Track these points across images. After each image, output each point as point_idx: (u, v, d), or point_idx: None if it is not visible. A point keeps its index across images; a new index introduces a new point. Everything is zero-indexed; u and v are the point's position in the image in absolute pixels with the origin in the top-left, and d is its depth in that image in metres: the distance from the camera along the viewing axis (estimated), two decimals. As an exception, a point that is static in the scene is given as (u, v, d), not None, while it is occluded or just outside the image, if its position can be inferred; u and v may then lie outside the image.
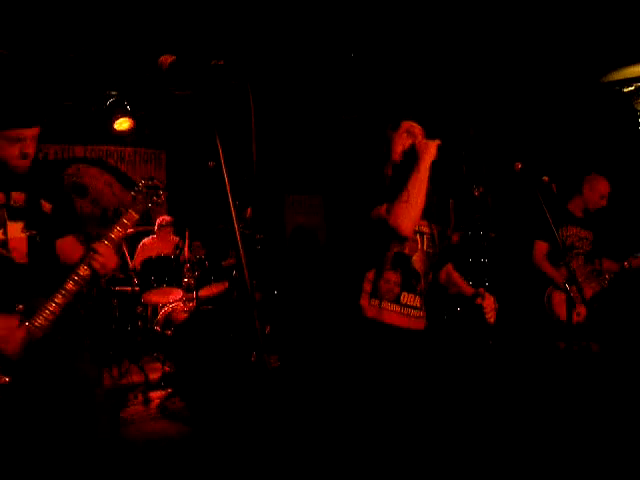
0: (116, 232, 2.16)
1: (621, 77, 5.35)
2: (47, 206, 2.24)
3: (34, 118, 2.08)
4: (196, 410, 4.15)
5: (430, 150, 2.22)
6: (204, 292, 4.90)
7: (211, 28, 4.30)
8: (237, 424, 3.74)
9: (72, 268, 2.12)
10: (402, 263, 2.31)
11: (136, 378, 4.71)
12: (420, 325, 2.39)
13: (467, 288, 2.55)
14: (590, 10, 4.31)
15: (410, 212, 2.15)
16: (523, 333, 4.24)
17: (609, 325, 4.02)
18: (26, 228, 2.15)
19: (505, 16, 4.42)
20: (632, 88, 5.43)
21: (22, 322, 2.01)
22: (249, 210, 5.02)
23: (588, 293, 3.88)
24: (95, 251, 2.09)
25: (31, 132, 2.07)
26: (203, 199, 6.22)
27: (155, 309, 5.04)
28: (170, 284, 4.89)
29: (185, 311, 4.73)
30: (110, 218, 6.64)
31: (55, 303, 2.05)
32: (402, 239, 2.25)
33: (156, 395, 4.47)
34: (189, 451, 3.46)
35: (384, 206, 2.20)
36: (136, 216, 2.22)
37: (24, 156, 2.08)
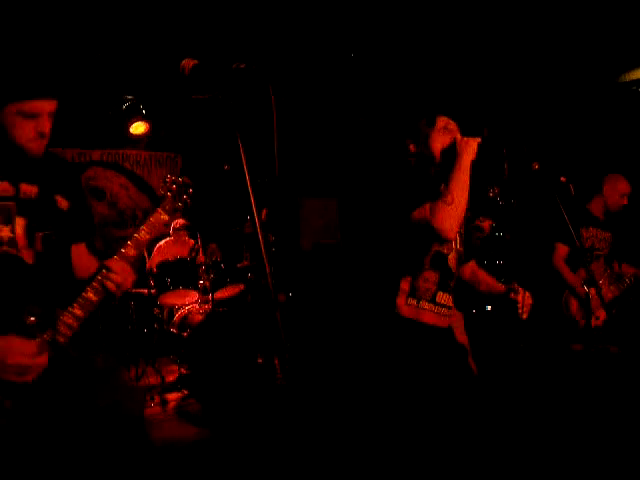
0: (143, 234, 1.93)
1: (637, 77, 5.30)
2: (63, 203, 1.97)
3: (52, 88, 1.80)
4: (212, 412, 4.16)
5: (471, 148, 2.16)
6: (220, 294, 4.92)
7: (230, 31, 4.32)
8: (253, 426, 3.74)
9: (82, 283, 1.89)
10: (440, 262, 2.28)
11: (152, 380, 4.74)
12: (447, 323, 2.37)
13: (498, 285, 2.50)
14: (606, 10, 4.28)
15: (454, 214, 2.09)
16: (540, 335, 4.21)
17: (629, 329, 3.98)
18: (40, 226, 1.88)
19: (521, 16, 4.40)
20: (649, 88, 5.38)
21: (41, 345, 1.74)
22: (264, 212, 5.04)
23: (608, 296, 3.83)
24: (109, 270, 1.84)
25: (48, 106, 1.80)
26: (219, 202, 6.25)
27: (171, 311, 5.07)
28: (186, 286, 4.92)
29: (201, 313, 4.75)
30: (126, 221, 6.68)
31: (73, 315, 1.81)
32: (445, 241, 2.21)
33: (172, 397, 4.49)
34: (206, 453, 3.47)
35: (427, 207, 2.13)
36: (166, 217, 1.99)
37: (40, 135, 1.81)
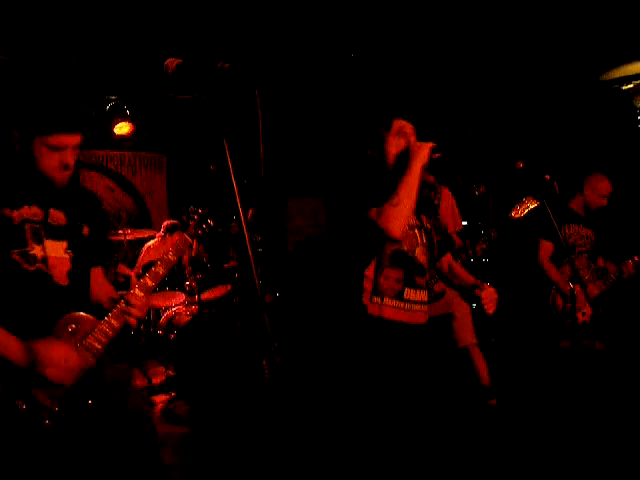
0: (171, 256, 2.16)
1: (621, 75, 5.35)
2: (86, 229, 2.14)
3: (76, 124, 1.96)
4: (200, 413, 4.15)
5: (422, 153, 2.22)
6: (207, 295, 4.90)
7: (215, 31, 4.30)
8: (241, 426, 3.73)
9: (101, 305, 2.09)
10: (402, 260, 2.32)
11: (139, 382, 4.71)
12: (422, 319, 2.40)
13: (469, 278, 2.55)
14: (589, 8, 4.31)
15: (399, 215, 2.17)
16: (527, 332, 4.24)
17: (614, 324, 4.02)
18: (68, 249, 2.04)
19: (504, 15, 4.43)
20: (631, 86, 5.43)
21: (78, 348, 1.92)
22: (251, 212, 5.03)
23: (593, 292, 3.87)
24: (128, 304, 2.01)
25: (72, 140, 1.95)
26: (204, 202, 6.21)
27: (158, 313, 5.04)
28: (172, 288, 4.88)
29: (188, 314, 4.73)
30: (111, 223, 6.63)
31: (111, 326, 1.98)
32: (393, 240, 2.25)
33: (160, 399, 4.47)
34: (194, 454, 3.46)
35: (374, 208, 2.21)
36: (190, 240, 2.25)
37: (64, 167, 1.96)
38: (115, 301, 2.05)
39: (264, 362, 4.37)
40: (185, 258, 4.97)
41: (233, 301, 5.00)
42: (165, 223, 5.69)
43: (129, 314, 2.00)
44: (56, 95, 1.96)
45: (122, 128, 6.02)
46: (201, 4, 4.05)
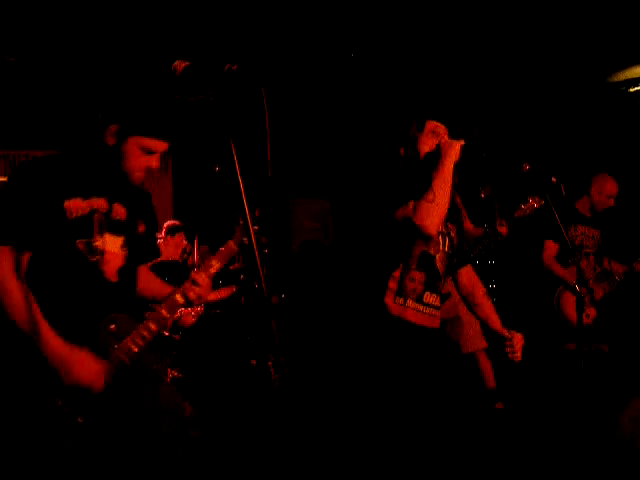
0: (214, 262, 2.17)
1: (627, 77, 5.34)
2: (142, 227, 2.14)
3: (170, 132, 2.02)
4: (205, 415, 4.15)
5: (454, 150, 2.24)
6: (212, 296, 4.90)
7: (222, 33, 4.32)
8: (247, 428, 3.74)
9: (147, 300, 2.12)
10: (427, 263, 2.34)
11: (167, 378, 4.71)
12: (437, 323, 2.41)
13: (495, 320, 2.50)
14: (596, 10, 4.30)
15: (436, 211, 2.17)
16: (532, 334, 4.22)
17: (619, 326, 4.00)
18: (124, 245, 2.03)
19: (511, 16, 4.42)
20: (638, 88, 5.42)
21: (115, 349, 1.91)
22: (256, 212, 5.02)
23: (598, 294, 3.86)
24: (195, 282, 2.07)
25: (163, 146, 2.00)
26: (210, 203, 6.23)
27: (163, 314, 5.05)
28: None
29: (193, 315, 4.73)
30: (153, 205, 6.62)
31: (148, 329, 1.96)
32: (427, 238, 2.26)
33: (165, 400, 4.47)
34: (199, 456, 3.46)
35: (410, 205, 2.21)
36: (236, 248, 2.24)
37: (148, 170, 2.00)
38: (171, 293, 2.06)
39: (270, 364, 4.38)
40: (190, 259, 4.98)
41: (239, 302, 5.01)
42: (166, 224, 5.70)
43: (192, 290, 2.05)
44: (161, 100, 2.04)
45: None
46: (209, 7, 4.07)
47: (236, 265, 5.17)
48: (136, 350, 1.94)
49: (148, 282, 2.23)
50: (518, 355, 2.41)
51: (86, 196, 1.93)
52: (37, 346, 1.78)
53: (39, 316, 1.80)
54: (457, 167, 2.25)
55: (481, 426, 3.30)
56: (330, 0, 4.15)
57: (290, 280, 5.80)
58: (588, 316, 3.85)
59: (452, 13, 4.42)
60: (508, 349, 2.40)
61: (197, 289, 2.06)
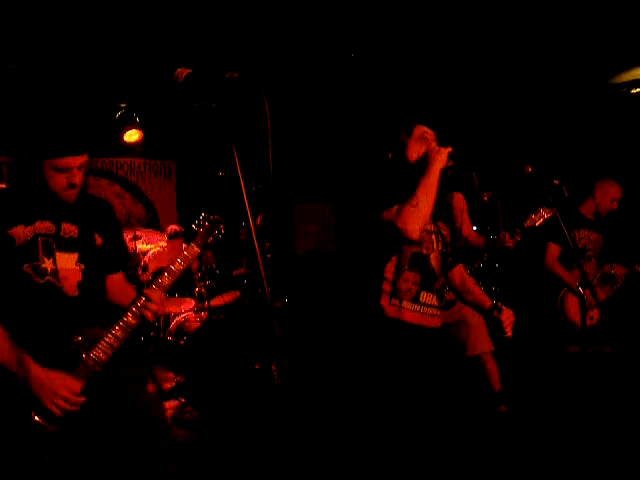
0: (177, 264, 2.16)
1: (629, 78, 5.34)
2: (99, 240, 2.19)
3: (80, 146, 2.04)
4: (210, 419, 4.16)
5: (441, 157, 2.27)
6: (216, 301, 4.92)
7: (223, 39, 4.34)
8: (250, 432, 3.74)
9: (120, 309, 2.10)
10: (420, 263, 2.35)
11: (149, 388, 4.71)
12: (437, 323, 2.42)
13: (485, 299, 2.54)
14: (598, 11, 4.31)
15: (417, 216, 2.20)
16: (536, 337, 4.22)
17: (622, 328, 4.00)
18: (80, 261, 2.09)
19: (513, 18, 4.43)
20: (640, 89, 5.42)
21: (84, 359, 1.96)
22: (260, 218, 5.05)
23: (601, 296, 3.85)
24: (148, 299, 2.05)
25: (77, 161, 2.02)
26: (213, 208, 6.25)
27: (167, 319, 5.07)
28: (182, 294, 4.91)
29: (197, 320, 4.75)
30: (114, 212, 6.67)
31: (115, 337, 2.00)
32: (411, 241, 2.28)
33: (170, 405, 4.48)
34: (203, 460, 3.47)
35: (394, 209, 2.24)
36: (198, 250, 2.24)
37: (71, 186, 2.04)
38: (134, 300, 2.07)
39: (273, 367, 4.38)
40: (194, 265, 5.00)
41: (242, 307, 5.02)
42: (167, 230, 5.73)
43: (147, 308, 2.03)
44: (61, 119, 2.04)
45: (132, 135, 6.08)
46: (210, 14, 4.09)
47: (240, 270, 5.19)
48: (104, 358, 1.99)
49: (119, 291, 2.27)
50: (508, 330, 2.42)
51: (29, 222, 2.03)
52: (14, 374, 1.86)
53: (11, 348, 1.89)
54: (446, 171, 2.28)
55: (484, 428, 3.30)
56: (330, 4, 4.16)
57: (293, 284, 5.81)
58: (592, 318, 3.84)
59: (455, 15, 4.43)
60: (503, 324, 2.41)
61: (152, 306, 2.05)
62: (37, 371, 1.88)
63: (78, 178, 2.05)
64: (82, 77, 4.98)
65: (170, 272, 2.15)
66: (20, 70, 4.59)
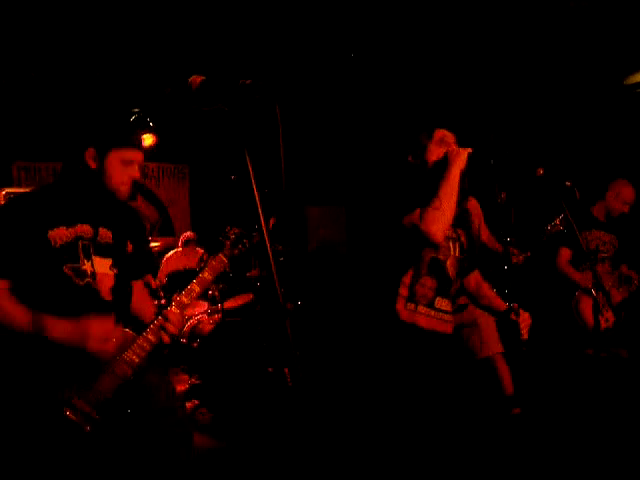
0: (207, 275, 2.21)
1: (643, 79, 5.30)
2: (130, 246, 2.25)
3: (141, 142, 2.16)
4: (223, 421, 4.18)
5: (461, 158, 2.28)
6: (229, 304, 4.95)
7: (235, 44, 4.39)
8: (264, 434, 3.76)
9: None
10: (437, 268, 2.36)
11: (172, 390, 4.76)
12: (450, 329, 2.42)
13: (500, 303, 2.55)
14: (611, 12, 4.29)
15: (441, 218, 2.21)
16: (551, 340, 4.20)
17: (637, 331, 3.96)
18: (113, 266, 2.15)
19: (526, 19, 4.43)
20: (655, 90, 5.38)
21: (117, 361, 2.01)
22: (272, 221, 5.08)
23: (617, 298, 3.83)
24: (166, 319, 2.07)
25: (140, 156, 2.13)
26: (226, 212, 6.30)
27: (181, 321, 5.10)
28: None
29: (211, 323, 4.78)
30: (144, 223, 6.75)
31: (148, 341, 2.05)
32: (434, 245, 2.29)
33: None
34: (217, 461, 3.49)
35: (417, 212, 2.24)
36: (225, 260, 2.28)
37: (132, 179, 2.12)
38: (154, 316, 2.11)
39: (286, 370, 4.40)
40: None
41: (255, 309, 5.05)
42: (182, 236, 5.79)
43: (165, 330, 2.06)
44: (127, 113, 2.14)
45: (146, 139, 6.14)
46: (223, 22, 4.14)
47: (253, 273, 5.22)
48: (137, 361, 2.02)
49: (137, 299, 2.31)
50: (525, 333, 2.43)
51: (70, 224, 2.06)
52: (49, 339, 1.92)
53: (35, 313, 1.94)
54: (465, 174, 2.29)
55: (497, 431, 3.29)
56: (344, 8, 4.19)
57: (305, 288, 5.83)
58: (607, 320, 3.82)
59: (466, 19, 4.44)
60: (520, 327, 2.41)
61: (170, 327, 2.08)
62: (71, 322, 1.94)
63: (138, 173, 2.13)
64: (97, 82, 5.05)
65: (200, 281, 2.19)
66: (41, 77, 4.67)
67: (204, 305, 4.93)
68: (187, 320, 4.98)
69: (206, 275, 2.20)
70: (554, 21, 4.45)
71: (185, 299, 2.14)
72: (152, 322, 2.08)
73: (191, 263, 5.37)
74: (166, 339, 2.07)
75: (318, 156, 6.76)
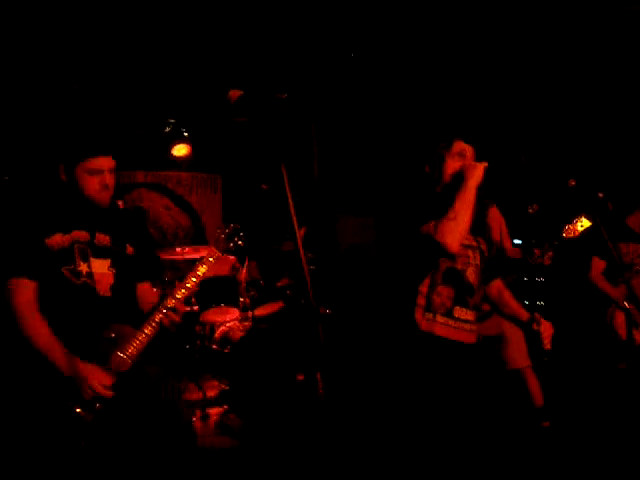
0: (200, 268, 2.33)
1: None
2: (130, 249, 2.42)
3: (108, 148, 2.28)
4: (252, 426, 4.24)
5: (477, 173, 2.30)
6: (260, 311, 5.02)
7: (269, 58, 4.48)
8: (292, 441, 3.79)
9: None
10: (454, 278, 2.37)
11: (194, 395, 4.84)
12: (472, 339, 2.42)
13: (522, 312, 2.55)
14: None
15: (456, 230, 2.23)
16: (583, 353, 4.15)
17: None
18: (112, 266, 2.33)
19: (559, 32, 4.41)
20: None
21: (113, 349, 2.16)
22: (303, 229, 5.14)
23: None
24: (167, 307, 2.23)
25: (108, 162, 2.27)
26: (257, 221, 6.38)
27: (212, 328, 5.18)
28: (227, 304, 5.03)
29: (241, 330, 4.85)
30: (168, 240, 6.89)
31: (144, 333, 2.19)
32: (449, 255, 2.30)
33: (214, 412, 4.58)
34: (245, 465, 3.54)
35: (432, 223, 2.27)
36: (219, 254, 2.39)
37: (104, 187, 2.27)
38: (154, 306, 2.27)
39: (318, 376, 4.42)
40: (241, 277, 5.12)
41: (285, 317, 5.10)
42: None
43: (169, 317, 2.22)
44: (88, 125, 2.28)
45: (180, 150, 6.28)
46: (253, 34, 4.23)
47: (283, 281, 5.28)
48: (134, 352, 2.18)
49: (145, 300, 2.47)
50: (547, 343, 2.42)
51: (67, 231, 2.27)
52: (52, 364, 2.11)
53: (53, 341, 2.13)
54: (482, 187, 2.30)
55: (526, 444, 3.27)
56: (382, 21, 4.24)
57: (335, 296, 5.86)
58: (642, 335, 3.75)
59: (502, 28, 4.44)
60: (542, 336, 2.41)
61: (172, 315, 2.23)
62: (77, 364, 2.11)
63: (111, 180, 2.29)
64: (134, 94, 5.20)
65: (195, 276, 2.33)
66: (78, 88, 4.82)
67: (235, 312, 5.01)
68: (218, 326, 5.07)
69: (200, 268, 2.34)
70: (588, 35, 4.43)
71: (178, 292, 2.28)
72: (148, 316, 2.23)
73: (223, 270, 5.45)
74: (166, 322, 2.20)
75: (350, 167, 6.80)
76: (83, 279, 2.25)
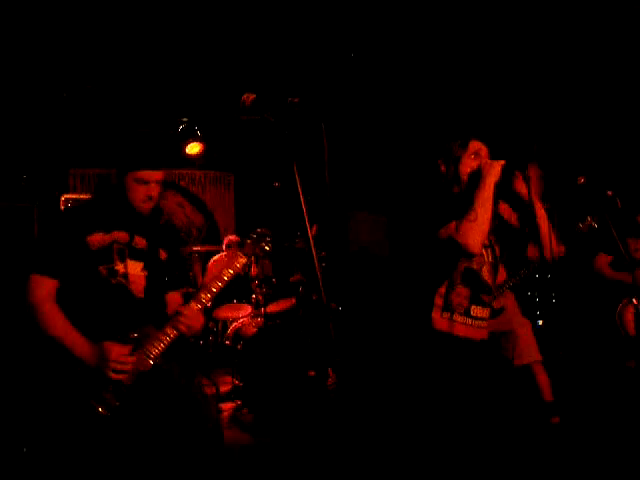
0: (227, 273, 2.38)
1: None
2: (163, 254, 2.49)
3: (158, 162, 2.37)
4: (265, 421, 4.30)
5: (494, 171, 2.31)
6: (272, 308, 5.08)
7: (280, 62, 4.53)
8: (304, 435, 3.85)
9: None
10: (471, 278, 2.40)
11: (208, 390, 4.90)
12: (485, 335, 2.47)
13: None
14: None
15: (478, 230, 2.25)
16: (593, 350, 4.16)
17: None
18: (145, 268, 2.40)
19: (571, 32, 4.42)
20: None
21: (135, 350, 2.22)
22: (315, 227, 5.18)
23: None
24: (180, 313, 2.26)
25: (157, 175, 2.35)
26: (270, 218, 6.44)
27: (225, 324, 5.26)
28: (240, 300, 5.10)
29: (254, 326, 4.91)
30: (181, 237, 6.97)
31: (166, 334, 2.24)
32: (471, 256, 2.33)
33: (227, 407, 4.65)
34: (257, 460, 3.60)
35: (453, 225, 2.28)
36: (245, 259, 2.44)
37: (149, 198, 2.35)
38: (176, 313, 2.31)
39: (330, 371, 4.47)
40: (253, 273, 5.18)
41: (297, 313, 5.15)
42: (226, 240, 5.95)
43: (180, 322, 2.25)
44: (144, 138, 2.41)
45: (193, 148, 6.35)
46: (264, 38, 4.29)
47: (295, 278, 5.33)
48: (156, 352, 2.22)
49: (173, 307, 2.49)
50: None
51: (108, 230, 2.34)
52: (71, 352, 2.15)
53: (69, 327, 2.18)
54: (499, 185, 2.31)
55: (536, 439, 3.29)
56: (394, 25, 4.27)
57: (346, 293, 5.90)
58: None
59: (509, 30, 4.45)
60: None
61: (185, 320, 2.26)
62: (93, 345, 2.17)
63: (155, 191, 2.36)
64: (149, 93, 5.27)
65: (221, 280, 2.37)
66: (95, 89, 4.91)
67: (248, 308, 5.07)
68: (231, 323, 5.14)
69: (225, 273, 2.38)
70: (601, 35, 4.42)
71: (203, 295, 2.32)
72: (171, 317, 2.29)
73: (234, 267, 5.51)
74: (183, 329, 2.24)
75: (362, 165, 6.83)
76: (119, 278, 2.32)
